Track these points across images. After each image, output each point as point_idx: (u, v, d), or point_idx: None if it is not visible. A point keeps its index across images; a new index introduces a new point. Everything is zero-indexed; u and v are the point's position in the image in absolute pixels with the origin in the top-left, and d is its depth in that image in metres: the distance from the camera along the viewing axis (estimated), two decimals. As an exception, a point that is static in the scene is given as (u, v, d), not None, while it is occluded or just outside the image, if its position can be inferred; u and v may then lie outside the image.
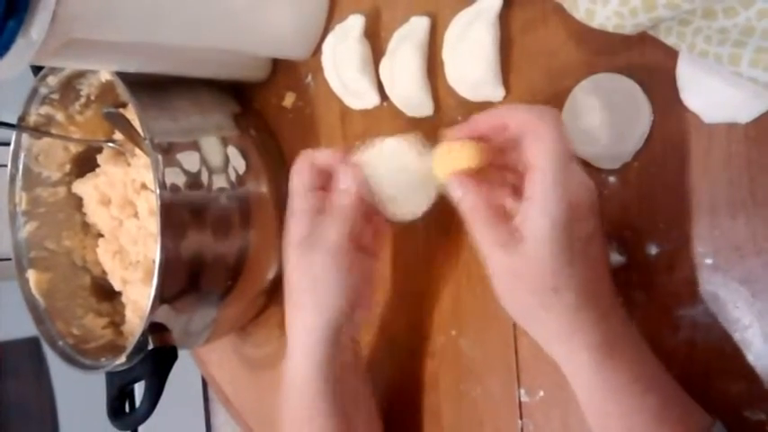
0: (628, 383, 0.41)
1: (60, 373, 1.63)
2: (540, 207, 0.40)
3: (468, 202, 0.44)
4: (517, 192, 0.44)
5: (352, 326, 0.53)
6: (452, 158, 0.45)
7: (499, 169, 0.47)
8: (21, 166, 0.74)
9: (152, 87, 0.63)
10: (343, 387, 0.53)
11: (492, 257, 0.42)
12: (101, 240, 0.76)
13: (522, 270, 0.41)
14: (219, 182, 0.63)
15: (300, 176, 0.52)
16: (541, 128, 0.42)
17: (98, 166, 0.76)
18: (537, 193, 0.40)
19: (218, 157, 0.64)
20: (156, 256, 0.57)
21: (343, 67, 0.61)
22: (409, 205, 0.50)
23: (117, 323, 0.75)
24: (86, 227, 0.78)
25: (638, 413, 0.41)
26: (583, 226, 0.41)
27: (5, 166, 0.74)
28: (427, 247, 0.59)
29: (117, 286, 0.74)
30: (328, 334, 0.50)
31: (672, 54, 0.45)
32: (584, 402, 0.43)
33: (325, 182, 0.52)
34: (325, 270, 0.49)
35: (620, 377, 0.41)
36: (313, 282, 0.50)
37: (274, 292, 0.71)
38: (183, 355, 0.80)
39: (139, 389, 0.61)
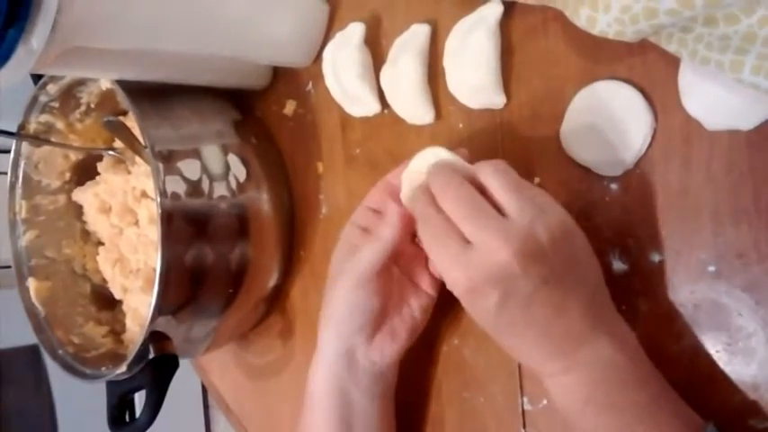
0: (580, 407, 0.43)
1: (60, 382, 1.63)
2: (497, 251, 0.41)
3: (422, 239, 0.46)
4: None
5: (374, 350, 0.53)
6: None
7: None
8: (21, 175, 0.74)
9: (152, 95, 0.63)
10: (353, 408, 0.53)
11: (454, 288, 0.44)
12: (101, 248, 0.76)
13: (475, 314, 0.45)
14: (220, 190, 0.63)
15: (371, 193, 0.55)
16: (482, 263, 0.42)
17: (98, 174, 0.75)
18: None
19: (219, 164, 0.64)
20: (157, 264, 0.57)
21: (343, 75, 0.61)
22: None
23: (117, 332, 0.74)
24: (86, 235, 0.78)
25: (628, 409, 0.43)
26: (527, 282, 0.41)
27: (5, 174, 0.74)
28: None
29: (117, 294, 0.74)
30: (340, 351, 0.53)
31: (673, 61, 0.45)
32: (564, 413, 0.45)
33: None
34: (344, 295, 0.52)
35: (573, 399, 0.44)
36: (333, 301, 0.53)
37: (275, 301, 0.71)
38: (183, 363, 0.80)
39: (139, 398, 0.61)
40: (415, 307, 0.54)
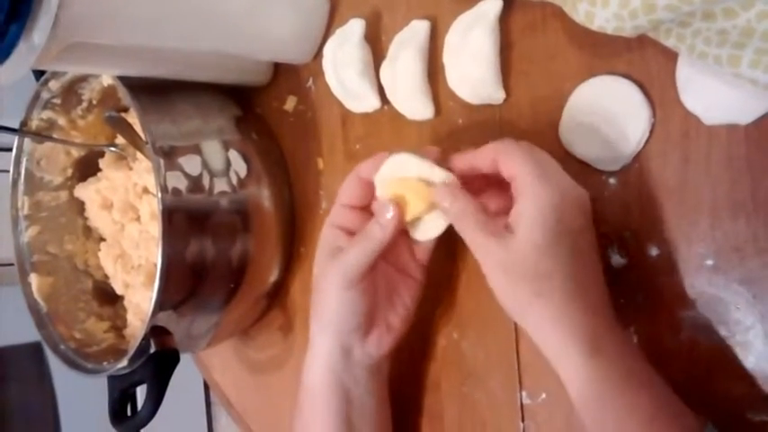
0: (620, 379, 0.42)
1: (62, 378, 1.63)
2: (529, 198, 0.43)
3: (456, 208, 0.46)
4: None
5: (370, 345, 0.53)
6: (399, 188, 0.49)
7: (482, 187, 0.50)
8: (23, 171, 0.74)
9: (154, 91, 0.63)
10: (352, 403, 0.54)
11: (485, 253, 0.45)
12: (102, 244, 0.76)
13: (515, 259, 0.43)
14: (221, 185, 0.63)
15: (344, 190, 0.54)
16: (511, 152, 0.45)
17: (100, 170, 0.76)
18: (524, 188, 0.43)
19: (220, 160, 0.64)
20: (158, 259, 0.57)
21: (343, 71, 0.62)
22: (428, 227, 0.51)
23: (119, 327, 0.75)
24: (88, 231, 0.78)
25: (632, 409, 0.41)
26: (572, 220, 0.43)
27: (7, 170, 0.74)
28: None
29: (119, 290, 0.74)
30: (336, 350, 0.53)
31: (672, 56, 0.46)
32: (577, 401, 0.43)
33: (368, 196, 0.53)
34: (335, 297, 0.51)
35: (612, 373, 0.42)
36: (324, 302, 0.53)
37: (276, 296, 0.71)
38: (185, 359, 0.80)
39: (141, 393, 0.61)
40: (406, 296, 0.54)
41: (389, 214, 0.49)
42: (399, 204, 0.49)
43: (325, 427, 0.53)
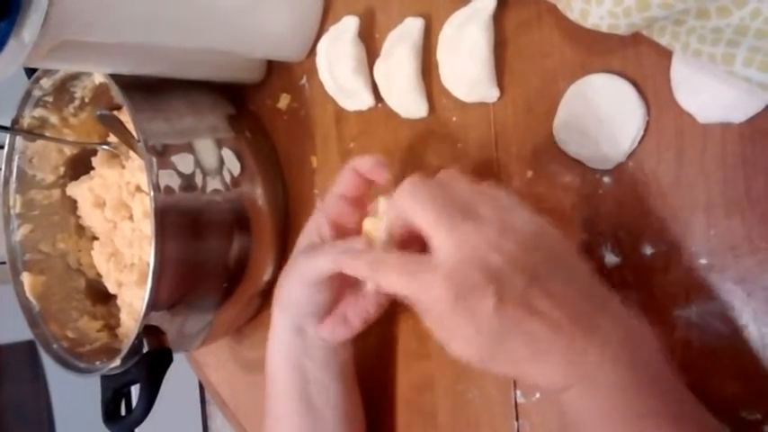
0: (598, 418, 0.40)
1: (56, 377, 1.63)
2: (429, 311, 0.41)
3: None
4: None
5: (323, 330, 0.54)
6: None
7: None
8: (15, 169, 0.74)
9: (146, 89, 0.63)
10: (311, 383, 0.55)
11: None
12: (95, 243, 0.76)
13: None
14: (214, 184, 0.63)
15: (340, 181, 0.54)
16: (408, 208, 0.43)
17: (92, 168, 0.75)
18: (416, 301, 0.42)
19: (213, 158, 0.64)
20: (150, 258, 0.57)
21: (337, 69, 0.61)
22: None
23: (112, 326, 0.74)
24: (81, 229, 0.78)
25: None
26: (469, 305, 0.39)
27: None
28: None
29: (112, 289, 0.74)
30: (291, 329, 0.55)
31: (666, 54, 0.45)
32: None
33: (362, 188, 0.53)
34: (296, 287, 0.53)
35: (588, 414, 0.40)
36: (286, 287, 0.54)
37: (271, 294, 0.70)
38: (180, 358, 0.80)
39: (137, 391, 0.61)
40: (370, 303, 0.54)
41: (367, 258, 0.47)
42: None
43: (287, 404, 0.55)
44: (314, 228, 0.54)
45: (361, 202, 0.54)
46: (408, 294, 0.41)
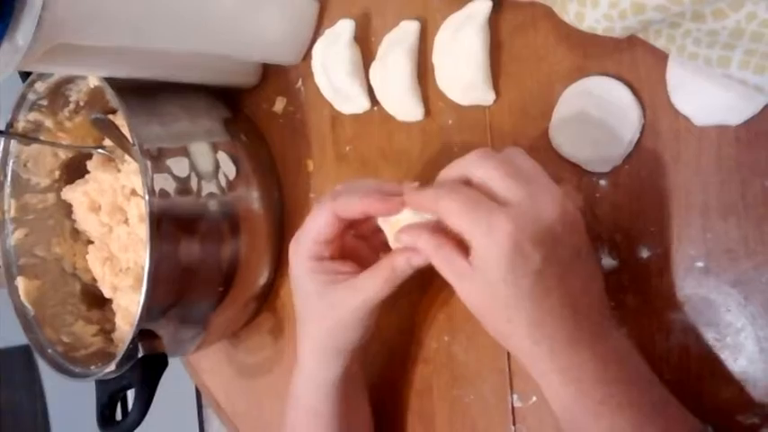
0: (596, 405, 0.41)
1: (52, 381, 1.62)
2: (479, 250, 0.41)
3: (422, 246, 0.45)
4: None
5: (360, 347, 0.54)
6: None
7: None
8: (9, 173, 0.73)
9: (141, 93, 0.63)
10: (345, 392, 0.54)
11: (455, 287, 0.44)
12: (90, 247, 0.75)
13: (480, 298, 0.43)
14: (209, 187, 0.62)
15: (319, 227, 0.50)
16: (448, 208, 0.42)
17: (88, 172, 0.75)
18: (471, 241, 0.42)
19: (208, 162, 0.63)
20: (146, 262, 0.57)
21: (333, 72, 0.61)
22: None
23: (107, 330, 0.74)
24: (76, 233, 0.77)
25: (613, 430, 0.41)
26: (530, 259, 0.40)
27: (-6, 172, 0.74)
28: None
29: (107, 293, 0.74)
30: (336, 366, 0.53)
31: (662, 57, 0.45)
32: (559, 422, 0.43)
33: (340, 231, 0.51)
34: (350, 329, 0.50)
35: (588, 399, 0.42)
36: (340, 326, 0.51)
37: (266, 298, 0.70)
38: (176, 362, 0.80)
39: (132, 396, 0.61)
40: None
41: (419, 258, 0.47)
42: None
43: (323, 415, 0.54)
44: (319, 268, 0.50)
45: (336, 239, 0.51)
46: (467, 230, 0.41)
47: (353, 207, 0.48)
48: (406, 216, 0.47)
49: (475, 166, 0.43)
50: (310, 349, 0.53)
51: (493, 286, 0.41)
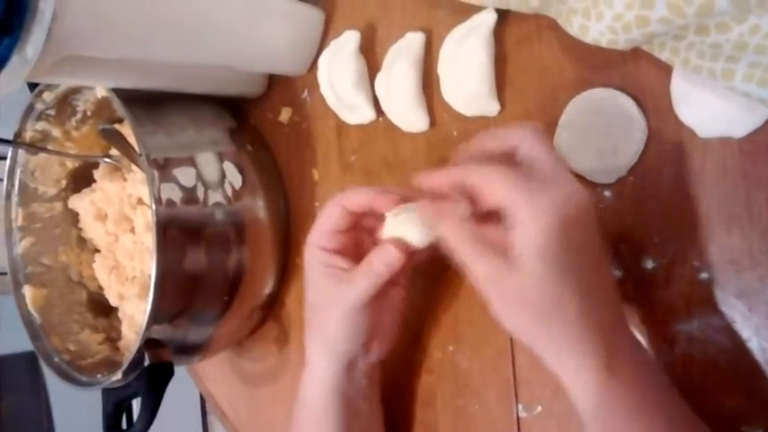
0: (633, 405, 0.40)
1: (57, 388, 1.62)
2: (525, 230, 0.39)
3: (452, 238, 0.43)
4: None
5: (372, 355, 0.54)
6: (399, 225, 0.48)
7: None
8: (17, 182, 0.74)
9: (148, 103, 0.63)
10: (354, 409, 0.54)
11: (488, 282, 0.41)
12: (97, 256, 0.76)
13: (519, 288, 0.40)
14: (215, 197, 0.63)
15: (327, 218, 0.51)
16: (492, 179, 0.41)
17: (94, 181, 0.75)
18: (516, 219, 0.40)
19: (215, 172, 0.64)
20: (152, 271, 0.57)
21: (338, 83, 0.62)
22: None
23: (113, 339, 0.74)
24: (83, 242, 0.78)
25: None
26: (577, 236, 0.40)
27: (1, 181, 0.74)
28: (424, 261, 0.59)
29: (113, 302, 0.74)
30: (340, 367, 0.53)
31: (666, 69, 0.46)
32: (586, 422, 0.42)
33: (350, 223, 0.52)
34: (341, 319, 0.51)
35: (626, 398, 0.40)
36: (326, 324, 0.52)
37: (271, 307, 0.71)
38: (181, 370, 0.80)
39: (138, 404, 0.61)
40: (396, 300, 0.54)
41: (394, 255, 0.48)
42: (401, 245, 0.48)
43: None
44: (324, 259, 0.52)
45: (349, 231, 0.52)
46: (513, 201, 0.40)
47: (358, 198, 0.50)
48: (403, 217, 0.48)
49: (526, 141, 0.42)
50: (317, 344, 0.54)
51: (538, 265, 0.39)
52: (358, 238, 0.53)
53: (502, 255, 0.40)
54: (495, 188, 0.41)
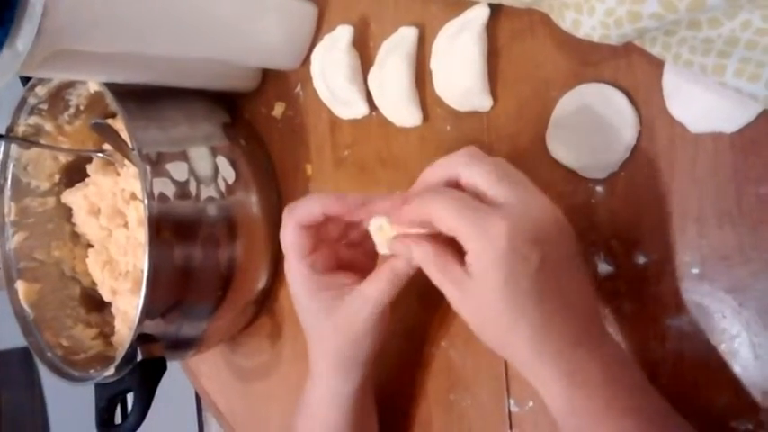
0: (600, 410, 0.41)
1: (52, 384, 1.62)
2: (475, 251, 0.40)
3: (417, 255, 0.44)
4: None
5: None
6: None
7: None
8: (9, 177, 0.74)
9: (141, 97, 0.63)
10: (360, 402, 0.54)
11: (452, 296, 0.43)
12: (90, 251, 0.75)
13: (479, 303, 0.41)
14: (208, 192, 0.63)
15: (294, 240, 0.50)
16: (437, 208, 0.42)
17: (87, 176, 0.75)
18: (466, 243, 0.41)
19: (208, 167, 0.64)
20: (145, 266, 0.57)
21: (331, 77, 0.61)
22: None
23: (106, 334, 0.74)
24: (76, 237, 0.78)
25: None
26: (527, 257, 0.40)
27: (-6, 175, 0.74)
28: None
29: (106, 297, 0.74)
30: (351, 377, 0.53)
31: (658, 64, 0.46)
32: (560, 428, 0.42)
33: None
34: (363, 332, 0.50)
35: (593, 404, 0.41)
36: (349, 337, 0.51)
37: (264, 303, 0.71)
38: (176, 366, 0.80)
39: (132, 399, 0.61)
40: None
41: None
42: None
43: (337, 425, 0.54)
44: (315, 282, 0.50)
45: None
46: (463, 233, 0.41)
47: (312, 210, 0.49)
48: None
49: (464, 165, 0.43)
50: (329, 365, 0.52)
51: (492, 291, 0.40)
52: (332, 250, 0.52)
53: (461, 277, 0.42)
54: (444, 220, 0.41)
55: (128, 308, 0.71)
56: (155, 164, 0.59)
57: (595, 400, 0.41)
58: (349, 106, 0.62)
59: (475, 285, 0.41)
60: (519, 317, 0.40)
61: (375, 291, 0.48)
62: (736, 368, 0.44)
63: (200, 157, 0.64)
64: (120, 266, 0.73)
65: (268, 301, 0.71)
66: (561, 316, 0.41)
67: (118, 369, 0.60)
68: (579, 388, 0.41)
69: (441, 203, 0.42)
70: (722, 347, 0.44)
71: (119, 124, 0.68)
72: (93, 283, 0.76)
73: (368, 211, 0.48)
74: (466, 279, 0.41)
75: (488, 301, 0.41)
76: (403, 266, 0.47)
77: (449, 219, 0.41)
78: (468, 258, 0.41)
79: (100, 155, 0.73)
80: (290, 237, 0.50)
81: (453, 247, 0.43)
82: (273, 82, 0.69)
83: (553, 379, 0.41)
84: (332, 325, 0.50)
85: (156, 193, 0.58)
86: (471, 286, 0.41)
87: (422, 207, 0.43)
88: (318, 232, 0.51)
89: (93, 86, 0.68)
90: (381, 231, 0.47)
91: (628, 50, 0.46)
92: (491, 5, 0.52)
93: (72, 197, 0.76)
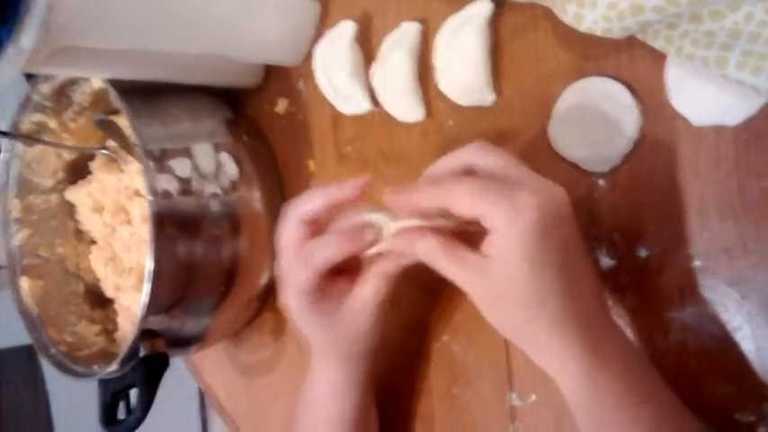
0: (622, 394, 0.41)
1: (55, 380, 1.63)
2: (501, 234, 0.40)
3: (423, 249, 0.43)
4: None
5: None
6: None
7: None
8: (14, 174, 0.74)
9: (144, 94, 0.63)
10: (363, 396, 0.55)
11: (469, 284, 0.42)
12: (94, 247, 0.76)
13: (499, 290, 0.41)
14: (212, 188, 0.63)
15: (289, 237, 0.50)
16: (462, 196, 0.41)
17: (91, 173, 0.75)
18: (493, 227, 0.40)
19: (211, 163, 0.64)
20: (148, 262, 0.57)
21: (334, 73, 0.62)
22: None
23: (110, 330, 0.74)
24: (79, 234, 0.78)
25: (633, 425, 0.40)
26: (555, 233, 0.40)
27: (-3, 173, 0.74)
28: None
29: (110, 293, 0.74)
30: (354, 371, 0.53)
31: (660, 57, 0.46)
32: (577, 415, 0.42)
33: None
34: (366, 324, 0.50)
35: (614, 388, 0.41)
36: (354, 330, 0.51)
37: (267, 298, 0.71)
38: (179, 362, 0.80)
39: (135, 395, 0.61)
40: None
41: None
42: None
43: (340, 420, 0.54)
44: (313, 286, 0.49)
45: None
46: (489, 212, 0.40)
47: (313, 203, 0.48)
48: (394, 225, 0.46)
49: (479, 155, 0.43)
50: (329, 359, 0.53)
51: (519, 265, 0.40)
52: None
53: (478, 262, 0.41)
54: (468, 202, 0.41)
55: (131, 304, 0.72)
56: (158, 160, 0.59)
57: (618, 385, 0.41)
58: (351, 102, 0.62)
59: (496, 265, 0.40)
60: (545, 289, 0.40)
61: (372, 291, 0.49)
62: (739, 360, 0.44)
63: (204, 154, 0.64)
64: (124, 263, 0.73)
65: (271, 297, 0.71)
66: (585, 294, 0.41)
67: (121, 365, 0.61)
68: (600, 370, 0.41)
69: (463, 186, 0.41)
70: (725, 339, 0.44)
71: (122, 121, 0.68)
72: (97, 279, 0.76)
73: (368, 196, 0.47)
74: (483, 262, 0.41)
75: (513, 277, 0.40)
76: (393, 268, 0.48)
77: (473, 199, 0.41)
78: (490, 238, 0.40)
79: (103, 152, 0.74)
80: (291, 234, 0.50)
81: (459, 238, 0.43)
82: (276, 78, 0.70)
83: (574, 358, 0.41)
84: (335, 334, 0.51)
85: (159, 189, 0.59)
86: (491, 267, 0.41)
87: (440, 192, 0.43)
88: (314, 233, 0.50)
89: (97, 83, 0.68)
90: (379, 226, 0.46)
91: (630, 44, 0.46)
92: (494, 0, 0.52)
93: (76, 194, 0.76)
